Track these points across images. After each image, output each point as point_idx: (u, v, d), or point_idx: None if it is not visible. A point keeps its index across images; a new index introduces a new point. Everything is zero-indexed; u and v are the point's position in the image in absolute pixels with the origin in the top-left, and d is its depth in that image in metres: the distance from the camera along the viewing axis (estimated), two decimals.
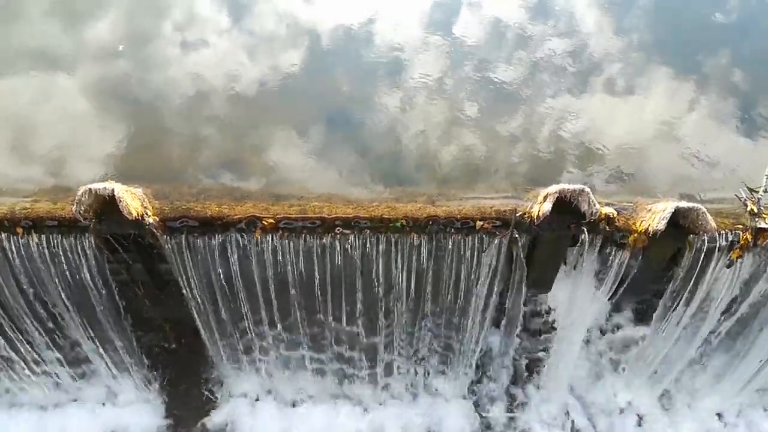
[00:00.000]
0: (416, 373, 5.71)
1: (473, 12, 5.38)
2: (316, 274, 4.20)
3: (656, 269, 4.33)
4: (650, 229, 3.72)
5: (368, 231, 3.86)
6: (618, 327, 5.91)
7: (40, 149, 4.23)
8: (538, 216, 3.68)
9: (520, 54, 4.99)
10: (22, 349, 5.02)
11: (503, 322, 5.20)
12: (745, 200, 3.99)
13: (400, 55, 4.94)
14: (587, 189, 3.65)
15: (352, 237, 3.88)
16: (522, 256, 4.09)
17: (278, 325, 4.88)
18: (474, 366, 5.62)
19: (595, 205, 3.67)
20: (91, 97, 4.54)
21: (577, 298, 4.59)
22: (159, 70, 4.77)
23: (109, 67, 4.73)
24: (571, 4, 5.48)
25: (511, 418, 5.91)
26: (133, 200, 3.61)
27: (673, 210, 3.67)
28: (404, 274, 4.23)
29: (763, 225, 3.88)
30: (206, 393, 5.86)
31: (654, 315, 4.86)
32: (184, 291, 4.37)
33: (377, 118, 4.47)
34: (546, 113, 4.56)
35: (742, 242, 3.90)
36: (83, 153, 4.22)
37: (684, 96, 4.78)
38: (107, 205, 3.65)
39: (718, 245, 3.90)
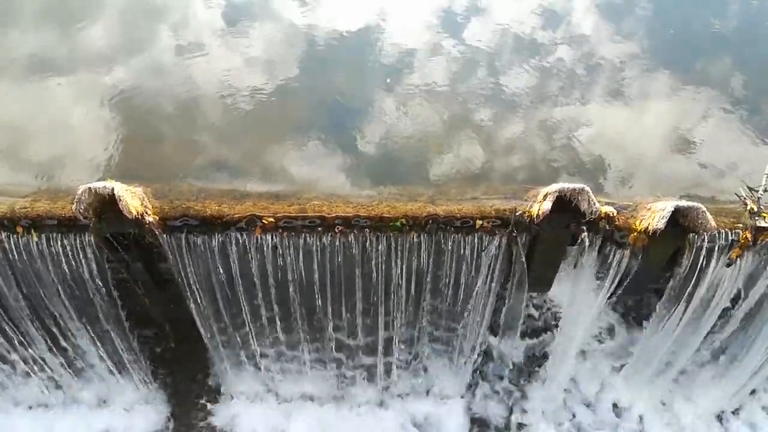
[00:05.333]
0: (416, 372, 5.72)
1: (474, 16, 5.38)
2: (316, 273, 4.19)
3: (656, 268, 4.33)
4: (650, 228, 3.72)
5: (368, 230, 3.86)
6: (618, 326, 5.92)
7: (41, 149, 4.23)
8: (537, 215, 3.68)
9: (522, 58, 4.99)
10: (21, 349, 5.02)
11: (503, 321, 5.20)
12: (745, 199, 3.99)
13: (401, 57, 4.94)
14: (587, 188, 3.64)
15: (351, 236, 3.88)
16: (522, 255, 4.09)
17: (278, 324, 4.88)
18: (474, 364, 5.62)
19: (594, 204, 3.66)
20: (92, 99, 4.54)
21: (578, 296, 4.59)
22: (160, 73, 4.76)
23: (109, 70, 4.72)
24: (571, 9, 5.48)
25: (510, 417, 5.91)
26: (133, 199, 3.61)
27: (673, 209, 3.67)
28: (404, 273, 4.23)
29: (762, 224, 3.88)
30: (206, 392, 5.86)
31: (654, 314, 4.87)
32: (183, 290, 4.36)
33: (378, 117, 4.47)
34: (545, 115, 4.56)
35: (742, 241, 3.90)
36: (83, 153, 4.22)
37: (684, 97, 4.78)
38: (107, 204, 3.64)
39: (718, 244, 3.90)
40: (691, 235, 3.86)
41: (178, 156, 4.22)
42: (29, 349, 5.05)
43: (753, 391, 5.93)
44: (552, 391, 5.90)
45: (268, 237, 3.88)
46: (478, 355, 5.52)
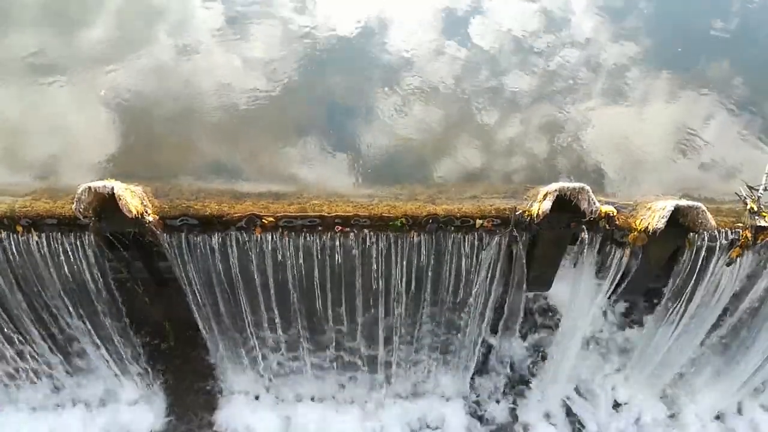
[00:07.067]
0: (416, 371, 5.72)
1: (474, 18, 5.37)
2: (316, 272, 4.20)
3: (656, 267, 4.33)
4: (650, 227, 3.72)
5: (368, 229, 3.86)
6: (618, 325, 5.92)
7: (41, 149, 4.22)
8: (537, 214, 3.68)
9: (522, 59, 4.98)
10: (21, 348, 5.02)
11: (503, 320, 5.21)
12: (745, 198, 3.99)
13: (401, 57, 4.93)
14: (587, 187, 3.64)
15: (351, 235, 3.88)
16: (522, 254, 4.09)
17: (278, 323, 4.88)
18: (474, 364, 5.62)
19: (594, 203, 3.67)
20: (92, 99, 4.53)
21: (577, 296, 4.59)
22: (160, 73, 4.75)
23: (109, 70, 4.71)
24: (570, 10, 5.47)
25: (511, 416, 5.91)
26: (132, 198, 3.61)
27: (673, 208, 3.67)
28: (404, 272, 4.23)
29: (763, 223, 3.88)
30: (206, 391, 5.87)
31: (654, 313, 4.87)
32: (183, 289, 4.37)
33: (378, 117, 4.47)
34: (545, 115, 4.55)
35: (742, 240, 3.90)
36: (83, 152, 4.21)
37: (684, 98, 4.78)
38: (107, 204, 3.65)
39: (718, 244, 3.89)
40: (691, 234, 3.86)
41: (178, 155, 4.22)
42: (29, 348, 5.06)
43: (755, 390, 5.94)
44: (552, 390, 5.91)
45: (268, 236, 3.88)
46: (479, 354, 5.52)
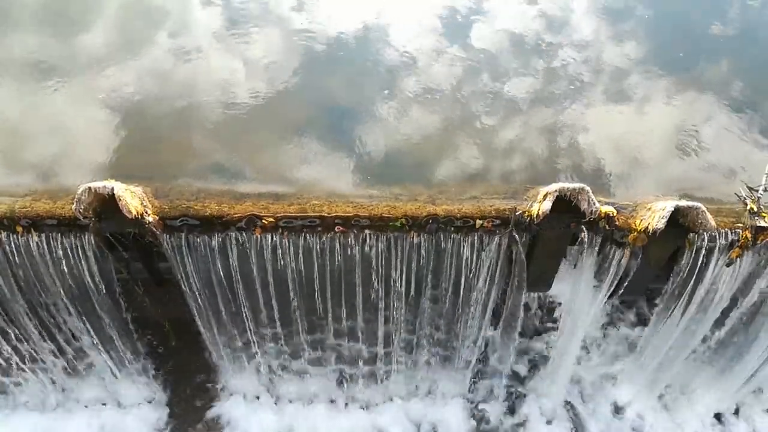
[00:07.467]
0: (416, 372, 5.72)
1: (473, 20, 5.37)
2: (316, 272, 4.20)
3: (656, 268, 4.33)
4: (650, 227, 3.72)
5: (368, 230, 3.86)
6: (618, 325, 5.92)
7: (42, 149, 4.22)
8: (537, 215, 3.69)
9: (521, 60, 4.98)
10: (21, 349, 5.02)
11: (503, 321, 5.20)
12: (745, 199, 3.99)
13: (401, 57, 4.93)
14: (587, 188, 3.65)
15: (351, 236, 3.88)
16: (522, 254, 4.09)
17: (277, 323, 4.88)
18: (474, 365, 5.62)
19: (594, 203, 3.67)
20: (92, 100, 4.53)
21: (577, 296, 4.59)
22: (160, 74, 4.75)
23: (109, 72, 4.72)
24: (570, 11, 5.47)
25: (511, 416, 5.91)
26: (132, 199, 3.61)
27: (672, 209, 3.67)
28: (404, 273, 4.23)
29: (762, 224, 3.88)
30: (206, 391, 5.87)
31: (653, 313, 4.87)
32: (183, 289, 4.37)
33: (378, 118, 4.47)
34: (545, 116, 4.56)
35: (742, 241, 3.90)
36: (84, 153, 4.21)
37: (684, 97, 4.78)
38: (107, 204, 3.65)
39: (718, 244, 3.90)
40: (691, 234, 3.86)
41: (178, 156, 4.22)
42: (29, 349, 5.05)
43: (753, 391, 5.94)
44: (552, 391, 5.91)
45: (268, 237, 3.88)
46: (478, 355, 5.52)
